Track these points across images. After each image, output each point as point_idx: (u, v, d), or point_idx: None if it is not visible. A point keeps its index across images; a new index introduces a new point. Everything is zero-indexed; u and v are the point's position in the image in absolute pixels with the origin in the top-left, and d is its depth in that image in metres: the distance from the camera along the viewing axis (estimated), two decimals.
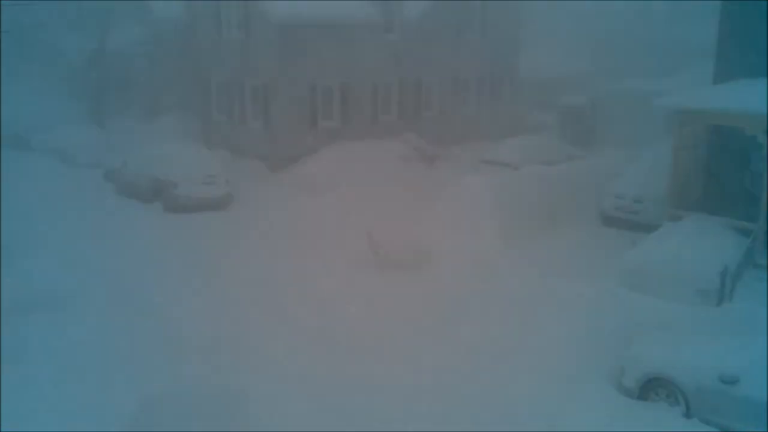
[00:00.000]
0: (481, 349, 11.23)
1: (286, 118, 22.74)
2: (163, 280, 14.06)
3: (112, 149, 24.77)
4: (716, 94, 14.92)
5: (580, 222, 17.52)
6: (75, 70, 30.84)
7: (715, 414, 9.37)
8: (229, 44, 24.24)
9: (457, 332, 11.88)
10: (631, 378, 10.11)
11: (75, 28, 31.27)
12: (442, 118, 26.89)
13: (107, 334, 11.72)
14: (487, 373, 10.49)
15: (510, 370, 10.65)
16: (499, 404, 9.75)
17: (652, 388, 9.92)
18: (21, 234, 16.50)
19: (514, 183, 17.88)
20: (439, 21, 25.93)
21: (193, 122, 26.86)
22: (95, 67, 30.10)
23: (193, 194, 19.37)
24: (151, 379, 10.25)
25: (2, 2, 24.45)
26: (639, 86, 27.12)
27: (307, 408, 9.67)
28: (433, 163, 23.84)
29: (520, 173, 18.87)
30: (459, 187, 17.51)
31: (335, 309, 12.90)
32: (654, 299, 12.56)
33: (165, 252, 15.83)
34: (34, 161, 24.84)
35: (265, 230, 17.32)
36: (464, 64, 27.20)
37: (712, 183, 16.06)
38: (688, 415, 9.55)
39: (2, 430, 9.13)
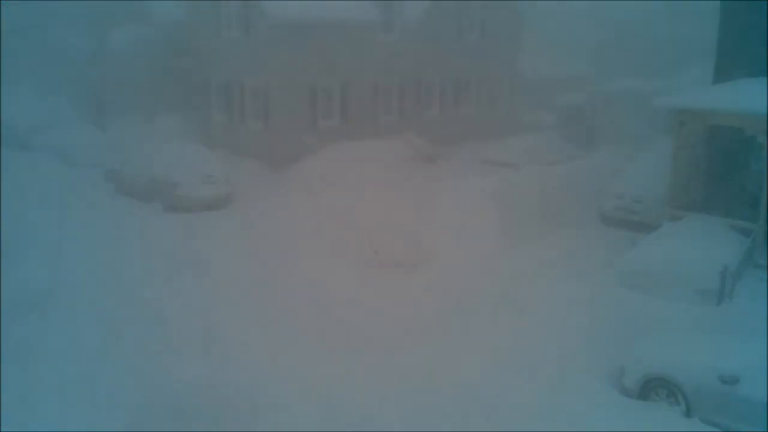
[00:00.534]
0: (481, 348, 11.23)
1: (286, 118, 22.74)
2: (162, 280, 14.06)
3: (112, 149, 24.73)
4: (716, 94, 14.93)
5: (580, 222, 17.52)
6: (75, 70, 30.83)
7: (715, 414, 9.38)
8: (229, 44, 24.24)
9: (457, 332, 11.88)
10: (631, 378, 10.11)
11: (75, 28, 31.27)
12: (442, 118, 26.91)
13: (107, 333, 11.72)
14: (487, 373, 10.48)
15: (510, 370, 10.65)
16: (499, 404, 9.75)
17: (652, 388, 9.92)
18: (21, 234, 16.50)
19: (514, 183, 17.89)
20: (439, 21, 25.94)
21: (193, 122, 26.86)
22: (95, 67, 30.10)
23: (193, 194, 19.37)
24: (150, 378, 10.25)
25: (2, 2, 24.44)
26: (639, 86, 27.11)
27: (308, 407, 9.67)
28: (433, 162, 23.84)
29: (520, 173, 18.89)
30: (459, 187, 17.52)
31: (335, 308, 12.89)
32: (654, 299, 12.57)
33: (165, 251, 15.81)
34: (34, 161, 24.82)
35: (265, 230, 17.31)
36: (464, 64, 27.21)
37: (712, 183, 16.07)
38: (688, 414, 9.56)
39: (2, 430, 9.13)
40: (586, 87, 30.91)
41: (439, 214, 16.83)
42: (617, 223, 17.42)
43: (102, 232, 17.20)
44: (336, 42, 23.00)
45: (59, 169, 24.11)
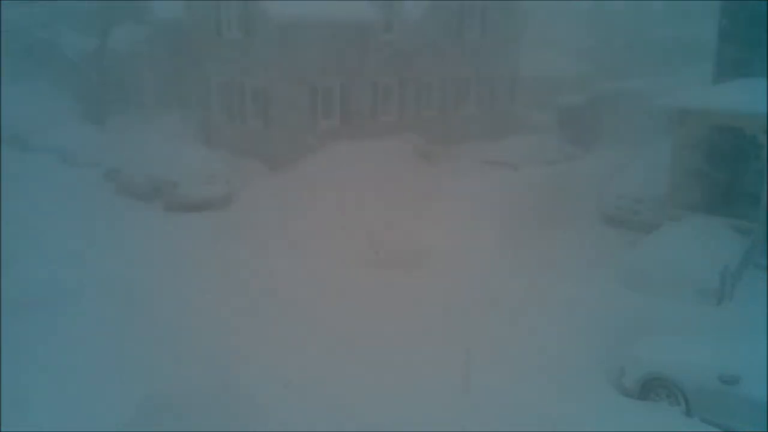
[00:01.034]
0: (481, 348, 11.23)
1: (286, 118, 22.73)
2: (162, 279, 14.07)
3: (112, 149, 24.76)
4: (716, 94, 14.93)
5: (579, 222, 17.52)
6: (75, 70, 30.85)
7: (715, 414, 9.38)
8: (229, 44, 24.23)
9: (457, 331, 11.88)
10: (631, 378, 10.12)
11: (75, 28, 31.29)
12: (442, 118, 26.89)
13: (107, 333, 11.72)
14: (488, 373, 10.48)
15: (510, 370, 10.66)
16: (498, 404, 9.75)
17: (652, 388, 9.93)
18: (21, 233, 16.51)
19: (514, 183, 17.89)
20: (439, 21, 25.92)
21: (193, 122, 26.85)
22: (95, 67, 30.11)
23: (193, 194, 19.38)
24: (150, 378, 10.25)
25: (2, 2, 24.45)
26: (639, 86, 27.09)
27: (308, 406, 9.67)
28: (432, 162, 23.82)
29: (520, 173, 18.87)
30: (459, 187, 17.52)
31: (336, 308, 12.89)
32: (654, 299, 12.58)
33: (165, 251, 15.83)
34: (33, 161, 24.86)
35: (265, 230, 17.31)
36: (464, 63, 27.19)
37: (712, 183, 16.06)
38: (688, 414, 9.56)
39: (2, 430, 9.13)
40: (586, 87, 30.89)
41: (439, 213, 16.82)
42: (617, 222, 17.42)
43: (102, 231, 17.21)
44: (336, 42, 23.00)
45: (59, 169, 24.15)
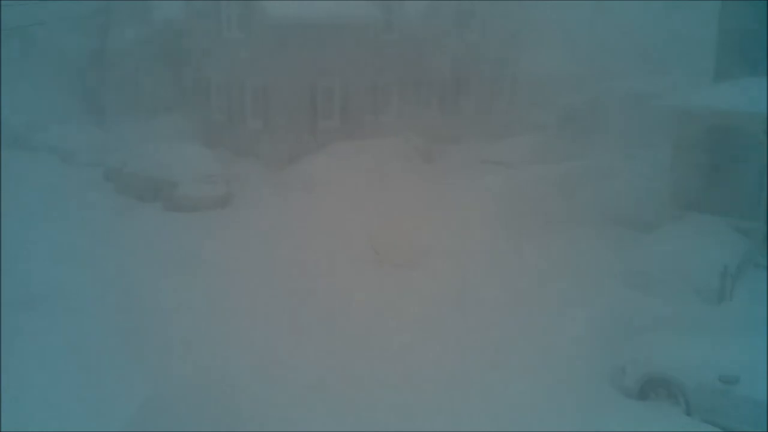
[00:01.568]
0: (481, 348, 11.23)
1: (286, 118, 22.73)
2: (162, 279, 14.05)
3: (112, 148, 24.76)
4: (716, 93, 14.94)
5: (579, 221, 17.50)
6: (75, 69, 30.84)
7: (715, 414, 9.38)
8: (229, 44, 24.23)
9: (457, 331, 11.88)
10: (631, 378, 10.11)
11: (75, 28, 31.26)
12: (442, 117, 26.88)
13: (107, 333, 11.72)
14: (488, 373, 10.48)
15: (510, 370, 10.66)
16: (498, 404, 9.75)
17: (652, 388, 9.93)
18: (20, 233, 16.51)
19: (514, 183, 17.87)
20: (439, 21, 25.91)
21: (193, 122, 26.85)
22: (95, 67, 30.09)
23: (193, 194, 19.37)
24: (150, 378, 10.25)
25: (2, 2, 24.44)
26: (639, 86, 27.10)
27: (308, 406, 9.67)
28: (432, 162, 23.82)
29: (520, 173, 18.86)
30: (458, 187, 17.50)
31: (336, 308, 12.89)
32: (654, 299, 12.57)
33: (164, 251, 15.82)
34: (34, 160, 24.85)
35: (264, 230, 17.30)
36: (464, 63, 27.19)
37: (712, 183, 16.06)
38: (688, 414, 9.55)
39: (2, 430, 9.13)
40: (586, 87, 30.88)
41: (438, 213, 16.81)
42: (618, 222, 17.41)
43: (102, 231, 17.21)
44: (336, 42, 22.99)
45: (59, 168, 24.14)
